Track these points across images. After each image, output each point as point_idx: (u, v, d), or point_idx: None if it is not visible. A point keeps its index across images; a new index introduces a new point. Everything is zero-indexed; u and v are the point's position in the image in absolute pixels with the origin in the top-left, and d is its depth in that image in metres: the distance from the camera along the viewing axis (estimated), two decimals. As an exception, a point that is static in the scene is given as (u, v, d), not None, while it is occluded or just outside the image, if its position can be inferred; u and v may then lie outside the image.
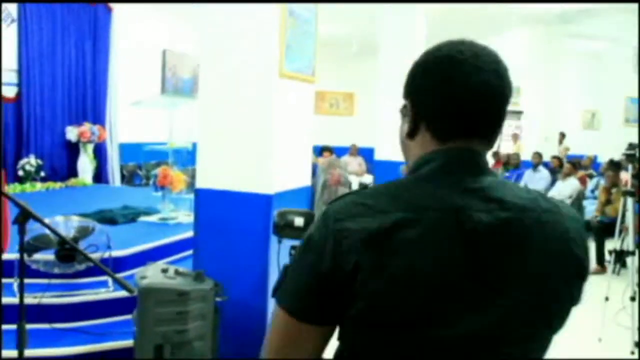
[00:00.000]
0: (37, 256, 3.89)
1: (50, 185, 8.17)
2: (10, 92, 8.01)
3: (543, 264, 0.97)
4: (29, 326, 3.39)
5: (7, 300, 3.39)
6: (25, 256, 3.78)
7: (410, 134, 1.07)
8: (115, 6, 9.58)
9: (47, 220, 2.83)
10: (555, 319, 1.02)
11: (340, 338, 1.02)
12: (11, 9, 7.95)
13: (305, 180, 4.22)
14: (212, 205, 3.76)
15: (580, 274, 1.03)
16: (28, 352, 3.32)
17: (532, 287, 0.96)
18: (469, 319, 0.93)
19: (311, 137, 4.30)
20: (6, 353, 2.93)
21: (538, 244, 0.97)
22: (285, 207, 3.46)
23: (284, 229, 3.37)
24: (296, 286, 0.99)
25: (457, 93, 1.00)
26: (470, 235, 0.93)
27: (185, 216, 5.95)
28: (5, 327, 2.81)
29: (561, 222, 1.01)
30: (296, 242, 2.56)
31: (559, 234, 1.00)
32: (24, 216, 2.37)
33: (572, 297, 1.03)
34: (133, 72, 9.82)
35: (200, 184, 3.83)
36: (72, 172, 8.87)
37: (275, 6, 3.59)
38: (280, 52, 3.66)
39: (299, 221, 3.31)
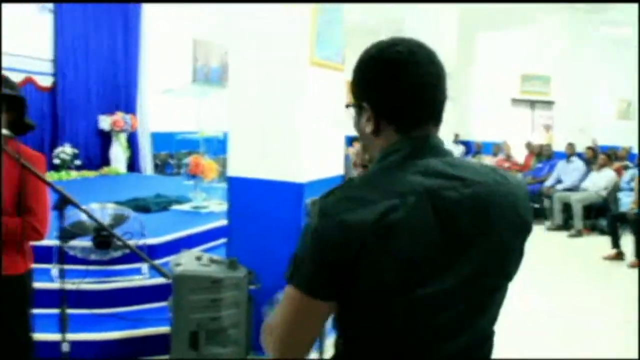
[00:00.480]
0: (74, 243, 3.97)
1: (85, 173, 8.31)
2: (46, 81, 8.16)
3: (500, 229, 1.17)
4: (68, 311, 3.47)
5: (47, 285, 3.47)
6: (64, 242, 3.86)
7: (375, 132, 1.21)
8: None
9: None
10: (512, 270, 1.23)
11: (342, 310, 1.17)
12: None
13: (338, 170, 4.21)
14: (244, 194, 3.79)
15: (527, 232, 1.24)
16: (68, 336, 3.41)
17: (494, 249, 1.16)
18: (443, 279, 1.12)
19: (343, 127, 4.29)
20: (49, 336, 3.01)
21: (494, 212, 1.16)
22: (317, 195, 3.46)
23: (317, 218, 3.38)
24: (309, 270, 1.12)
25: (410, 90, 1.17)
26: (443, 212, 1.11)
27: (217, 205, 6.00)
28: (47, 311, 2.88)
29: (511, 191, 1.20)
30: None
31: (511, 202, 1.19)
32: (63, 202, 2.40)
33: (522, 251, 1.25)
34: (164, 61, 9.91)
35: (232, 172, 3.85)
36: (106, 161, 9.02)
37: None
38: (311, 39, 3.64)
39: (332, 210, 3.31)
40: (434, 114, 1.21)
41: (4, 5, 7.41)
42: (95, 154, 8.98)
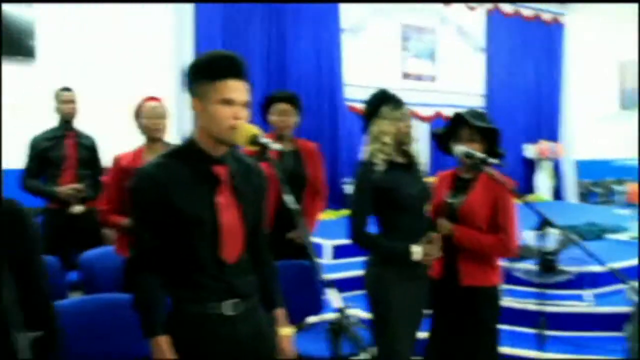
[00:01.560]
0: (519, 264, 4.24)
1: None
2: (477, 116, 8.86)
3: None
4: (515, 328, 3.74)
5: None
6: (510, 264, 4.18)
7: None
8: (567, 20, 9.64)
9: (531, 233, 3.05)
10: None
11: None
12: (480, 40, 8.81)
13: None
14: None
15: None
16: (514, 351, 3.68)
17: None
18: None
19: None
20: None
21: None
22: None
23: None
24: None
25: None
26: None
27: (658, 236, 5.56)
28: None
29: None
30: None
31: None
32: (544, 224, 2.61)
33: None
34: (589, 86, 9.66)
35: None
36: (530, 188, 9.23)
37: None
38: None
39: None
40: None
41: (444, 49, 8.37)
42: (520, 181, 9.27)
